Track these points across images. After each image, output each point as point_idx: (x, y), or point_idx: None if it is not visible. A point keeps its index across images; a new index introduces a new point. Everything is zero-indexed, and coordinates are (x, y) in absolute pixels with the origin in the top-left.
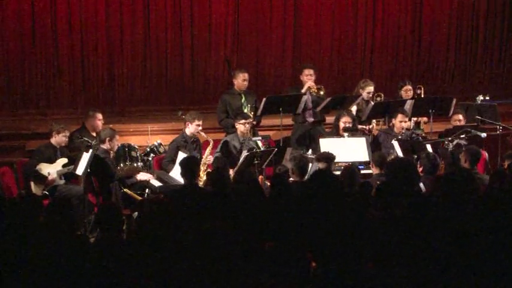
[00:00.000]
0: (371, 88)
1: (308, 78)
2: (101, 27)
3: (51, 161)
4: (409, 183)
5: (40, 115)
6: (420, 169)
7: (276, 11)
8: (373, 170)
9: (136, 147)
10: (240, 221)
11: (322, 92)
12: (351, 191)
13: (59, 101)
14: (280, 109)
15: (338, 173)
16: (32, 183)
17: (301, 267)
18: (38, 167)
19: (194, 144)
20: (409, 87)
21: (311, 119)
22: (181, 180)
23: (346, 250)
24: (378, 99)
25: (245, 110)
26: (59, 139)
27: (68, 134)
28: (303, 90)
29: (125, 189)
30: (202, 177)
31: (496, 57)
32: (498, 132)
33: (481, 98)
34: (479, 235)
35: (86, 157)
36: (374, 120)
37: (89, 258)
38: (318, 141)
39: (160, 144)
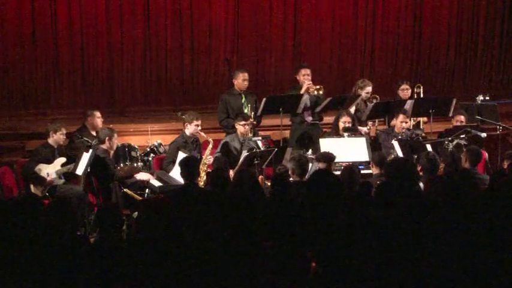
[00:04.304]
0: (369, 88)
1: (305, 78)
2: (101, 27)
3: (50, 161)
4: (409, 183)
5: (40, 115)
6: (419, 169)
7: (276, 11)
8: (373, 170)
9: (136, 147)
10: (240, 221)
11: (321, 92)
12: (351, 191)
13: (59, 101)
14: (280, 109)
15: (338, 173)
16: (31, 185)
17: (301, 267)
18: (37, 168)
19: (194, 145)
20: (406, 86)
21: (309, 119)
22: (181, 180)
23: (346, 250)
24: (374, 101)
25: (245, 110)
26: (57, 138)
27: (65, 131)
28: (302, 91)
29: (125, 189)
30: (203, 177)
31: (496, 57)
32: (498, 132)
33: (481, 98)
34: (480, 235)
35: (85, 157)
36: (370, 122)
37: (89, 258)
38: (318, 141)
39: (160, 144)
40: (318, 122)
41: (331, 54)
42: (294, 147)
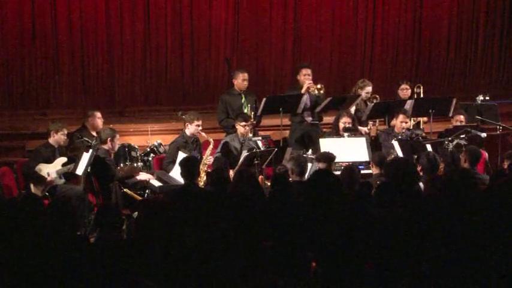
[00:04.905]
0: (369, 88)
1: (306, 77)
2: (101, 27)
3: (50, 161)
4: (409, 183)
5: (40, 115)
6: (419, 169)
7: (276, 11)
8: (373, 170)
9: (136, 147)
10: (240, 221)
11: (322, 91)
12: (351, 191)
13: (59, 101)
14: (280, 109)
15: (338, 173)
16: (32, 184)
17: (301, 267)
18: (37, 168)
19: (194, 145)
20: (406, 86)
21: (309, 119)
22: (181, 180)
23: (346, 250)
24: (374, 101)
25: (245, 110)
26: (58, 138)
27: (66, 132)
28: (303, 90)
29: (125, 189)
30: (203, 177)
31: (496, 57)
32: (498, 132)
33: (481, 98)
34: (479, 235)
35: (85, 157)
36: (370, 122)
37: (89, 258)
38: (317, 141)
39: (160, 144)
40: (317, 122)
41: (331, 54)
42: (294, 147)
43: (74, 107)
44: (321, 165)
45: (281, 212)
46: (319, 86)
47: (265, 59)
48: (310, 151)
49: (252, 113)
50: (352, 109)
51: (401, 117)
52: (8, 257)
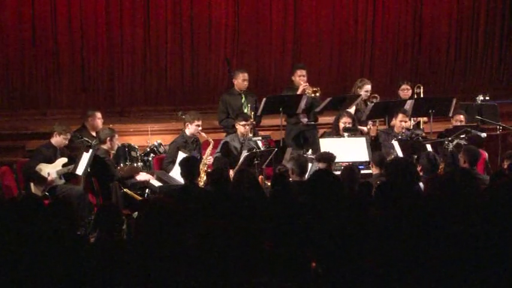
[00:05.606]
0: (368, 87)
1: (301, 79)
2: (101, 27)
3: (51, 161)
4: (409, 183)
5: (40, 115)
6: (419, 169)
7: (276, 11)
8: (373, 170)
9: (136, 147)
10: (240, 221)
11: (318, 94)
12: (351, 191)
13: (59, 101)
14: (280, 109)
15: (338, 173)
16: (32, 184)
17: (301, 267)
18: (37, 168)
19: (194, 145)
20: (407, 86)
21: (305, 120)
22: (181, 180)
23: (346, 250)
24: (374, 100)
25: (245, 110)
26: (60, 140)
27: (69, 136)
28: (299, 92)
29: (125, 189)
30: (203, 177)
31: (496, 57)
32: (498, 132)
33: (481, 98)
34: (479, 235)
35: (85, 157)
36: (370, 122)
37: (89, 258)
38: (313, 142)
39: (160, 144)
40: (313, 122)
41: (331, 54)
42: (292, 147)
43: (74, 107)
44: (321, 165)
45: (281, 212)
46: (315, 89)
47: (265, 59)
48: (310, 151)
49: (252, 113)
50: (352, 109)
51: (400, 116)
52: (8, 257)
